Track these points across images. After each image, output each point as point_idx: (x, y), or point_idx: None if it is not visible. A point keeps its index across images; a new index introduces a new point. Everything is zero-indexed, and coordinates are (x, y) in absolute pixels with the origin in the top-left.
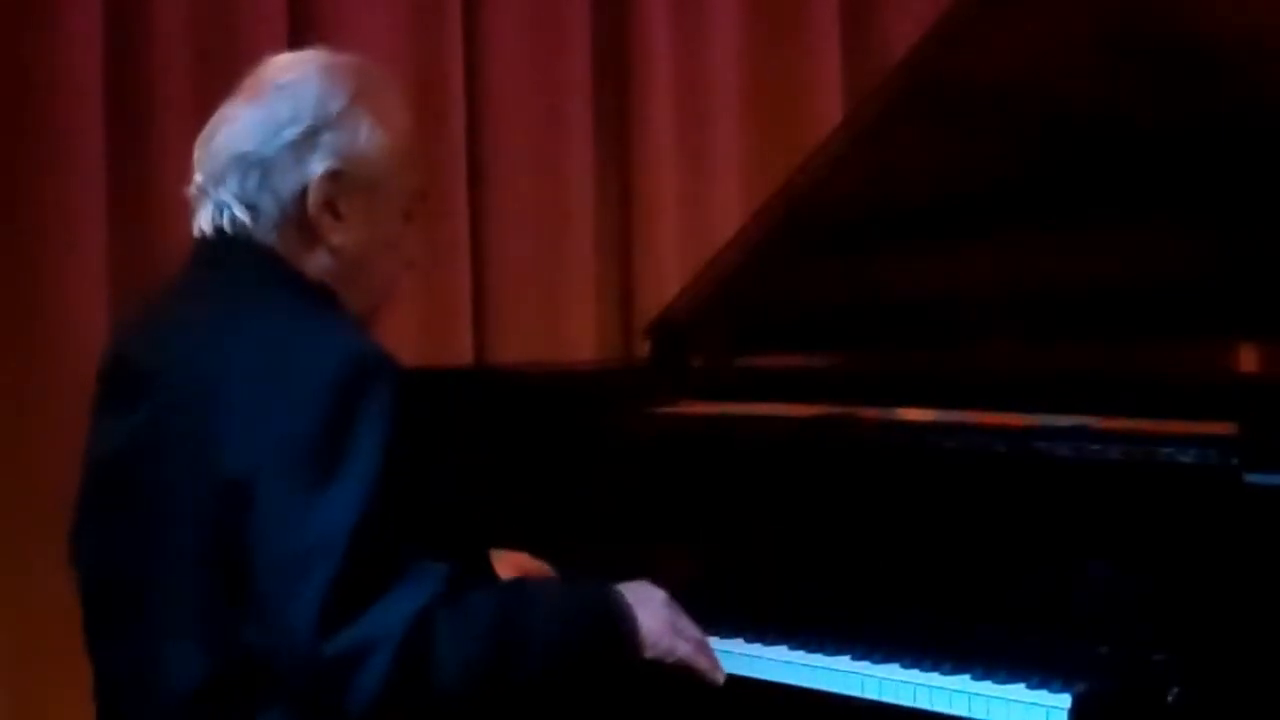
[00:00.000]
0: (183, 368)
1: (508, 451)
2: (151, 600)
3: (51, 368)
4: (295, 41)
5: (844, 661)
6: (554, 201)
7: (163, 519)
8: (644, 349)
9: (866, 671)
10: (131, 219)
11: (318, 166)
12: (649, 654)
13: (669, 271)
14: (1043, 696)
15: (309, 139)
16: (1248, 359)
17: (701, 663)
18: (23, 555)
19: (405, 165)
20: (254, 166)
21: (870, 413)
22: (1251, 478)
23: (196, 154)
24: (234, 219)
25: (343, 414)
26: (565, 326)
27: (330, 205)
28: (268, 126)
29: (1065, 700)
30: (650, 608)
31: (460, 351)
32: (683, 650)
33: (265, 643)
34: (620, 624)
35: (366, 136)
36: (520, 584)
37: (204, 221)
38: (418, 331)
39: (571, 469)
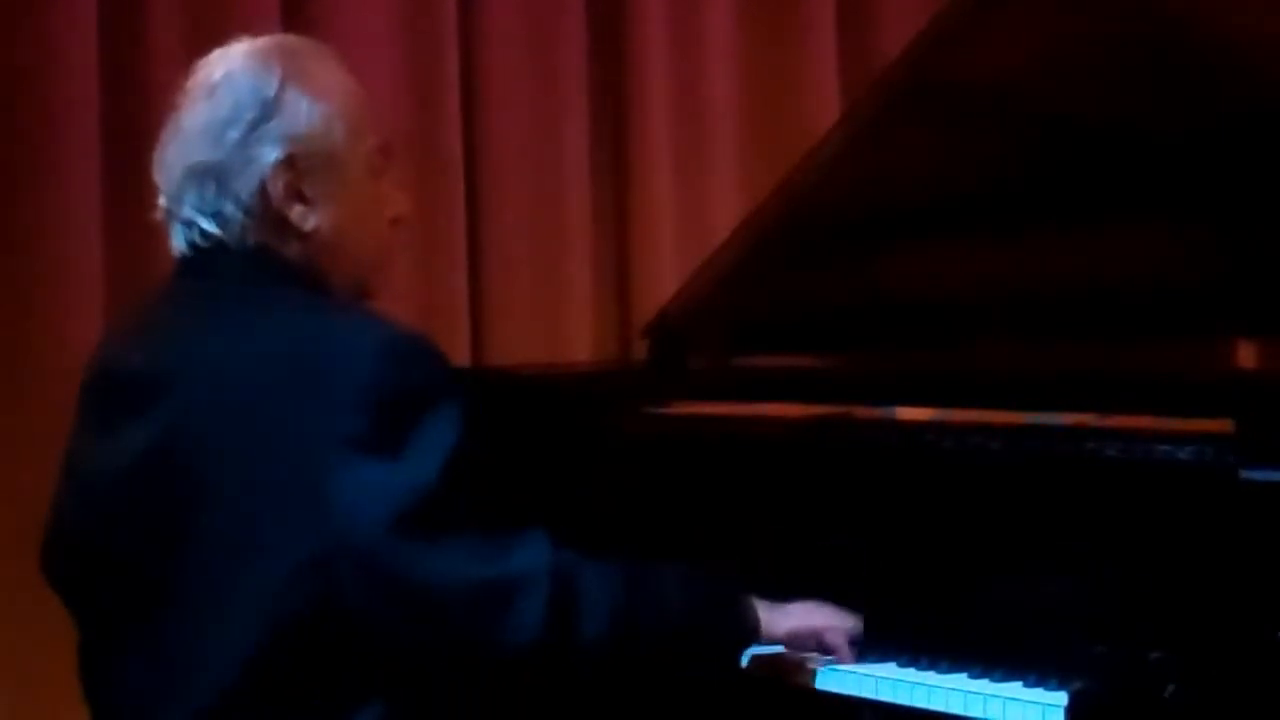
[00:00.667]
0: (197, 371)
1: (506, 453)
2: (190, 601)
3: (48, 374)
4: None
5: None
6: (551, 203)
7: (211, 520)
8: (641, 350)
9: (863, 670)
10: (127, 223)
11: (269, 157)
12: (767, 637)
13: (666, 272)
14: (1039, 695)
15: (253, 132)
16: (1244, 357)
17: (831, 639)
18: (18, 562)
19: (356, 127)
20: (208, 175)
21: (868, 412)
22: (1248, 474)
23: (155, 177)
24: (204, 232)
25: (396, 399)
26: (563, 327)
27: (294, 191)
28: (210, 131)
29: (1062, 698)
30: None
31: (458, 353)
32: (802, 624)
33: (380, 612)
34: (741, 598)
35: (308, 113)
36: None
37: (178, 242)
38: None
39: (569, 470)
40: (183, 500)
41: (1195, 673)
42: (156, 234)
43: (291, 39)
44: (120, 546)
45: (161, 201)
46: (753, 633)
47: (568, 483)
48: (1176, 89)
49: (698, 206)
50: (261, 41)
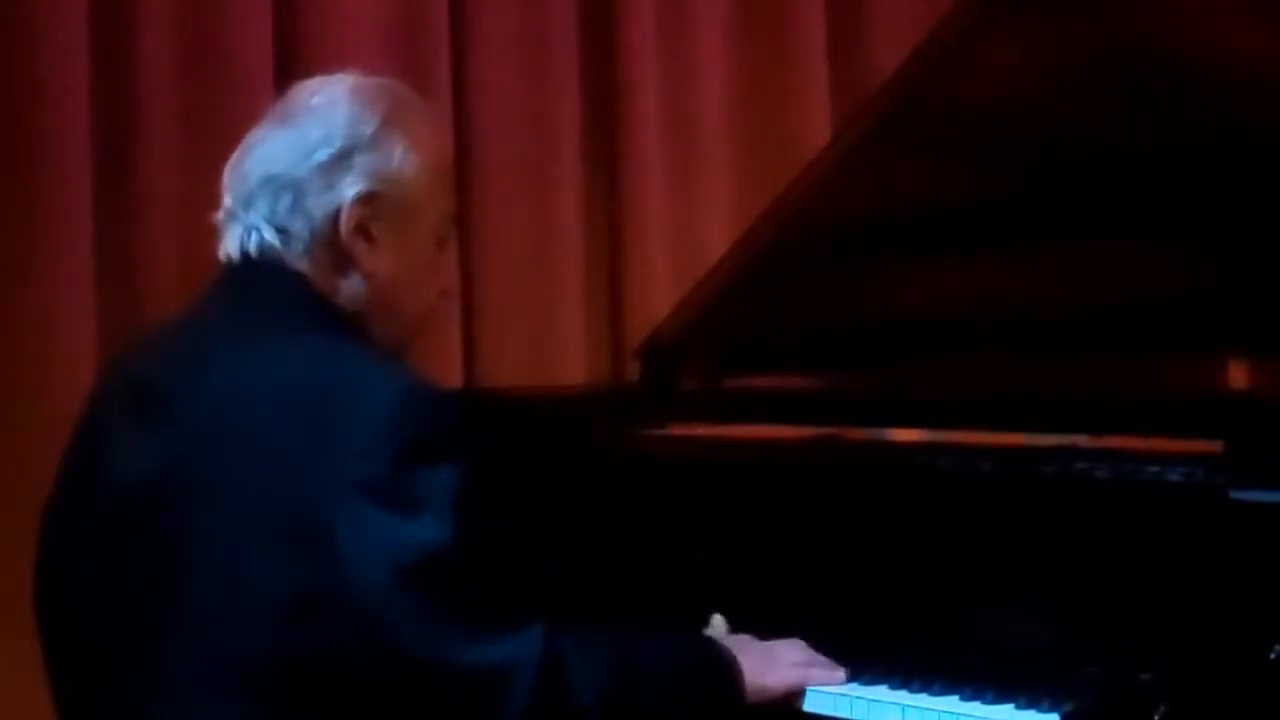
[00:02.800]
0: (215, 401)
1: (496, 475)
2: (179, 647)
3: (38, 381)
4: (280, 55)
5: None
6: (543, 224)
7: (208, 552)
8: (633, 371)
9: (855, 693)
10: (118, 229)
11: (351, 189)
12: (754, 696)
13: (658, 293)
14: (1032, 716)
15: (342, 160)
16: (1233, 376)
17: (815, 679)
18: (13, 566)
19: (439, 188)
20: (286, 188)
21: (859, 433)
22: (1238, 495)
23: (225, 178)
24: (263, 243)
25: (413, 450)
26: (555, 349)
27: (363, 229)
28: (299, 148)
29: None
30: (744, 649)
31: (450, 374)
32: (791, 679)
33: (376, 674)
34: (726, 664)
35: (400, 159)
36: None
37: (231, 246)
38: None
39: (560, 491)
40: (183, 529)
41: (1187, 694)
42: (147, 241)
43: (399, 86)
44: (121, 572)
45: (227, 203)
46: (740, 699)
47: (559, 504)
48: (1164, 109)
49: (690, 226)
50: (370, 80)
